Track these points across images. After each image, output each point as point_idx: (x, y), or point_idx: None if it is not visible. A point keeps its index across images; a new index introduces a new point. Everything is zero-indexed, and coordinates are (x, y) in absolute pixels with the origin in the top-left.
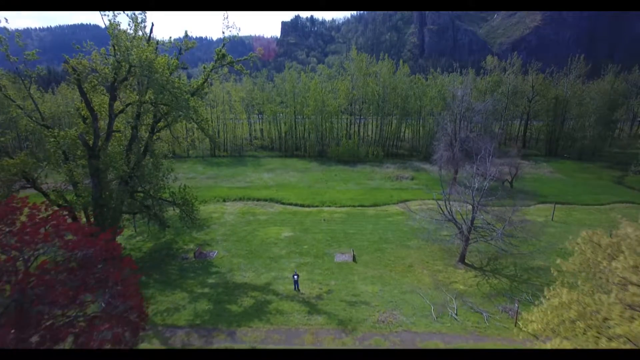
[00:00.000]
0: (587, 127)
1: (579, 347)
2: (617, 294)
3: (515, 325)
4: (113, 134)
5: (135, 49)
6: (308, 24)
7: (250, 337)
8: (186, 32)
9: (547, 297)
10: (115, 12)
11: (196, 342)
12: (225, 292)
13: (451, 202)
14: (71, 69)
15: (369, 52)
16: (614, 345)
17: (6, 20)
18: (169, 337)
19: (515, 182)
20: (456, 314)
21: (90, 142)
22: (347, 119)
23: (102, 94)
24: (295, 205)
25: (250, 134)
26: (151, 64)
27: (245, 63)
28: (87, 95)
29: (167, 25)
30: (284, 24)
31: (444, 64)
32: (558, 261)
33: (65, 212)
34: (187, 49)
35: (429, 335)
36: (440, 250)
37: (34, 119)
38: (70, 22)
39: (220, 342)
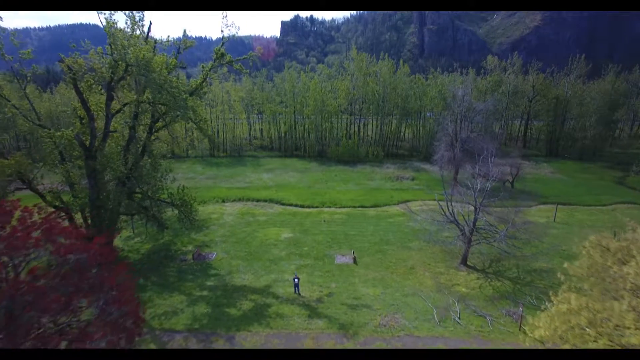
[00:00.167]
0: (588, 127)
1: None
2: (630, 301)
3: (520, 330)
4: (110, 134)
5: (132, 48)
6: (308, 23)
7: (249, 342)
8: (185, 30)
9: (554, 302)
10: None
11: (194, 347)
12: (224, 295)
13: (453, 203)
14: (66, 67)
15: (369, 52)
16: None
17: (0, 18)
18: (167, 342)
19: (516, 182)
20: (459, 318)
21: (87, 143)
22: (347, 118)
23: (99, 94)
24: (295, 206)
25: (249, 134)
26: (148, 63)
27: (244, 62)
28: (84, 95)
29: (166, 25)
30: (283, 23)
31: (443, 63)
32: (565, 265)
33: (62, 214)
34: (186, 48)
35: (432, 340)
36: (441, 252)
37: (29, 119)
38: (70, 22)
39: (219, 347)
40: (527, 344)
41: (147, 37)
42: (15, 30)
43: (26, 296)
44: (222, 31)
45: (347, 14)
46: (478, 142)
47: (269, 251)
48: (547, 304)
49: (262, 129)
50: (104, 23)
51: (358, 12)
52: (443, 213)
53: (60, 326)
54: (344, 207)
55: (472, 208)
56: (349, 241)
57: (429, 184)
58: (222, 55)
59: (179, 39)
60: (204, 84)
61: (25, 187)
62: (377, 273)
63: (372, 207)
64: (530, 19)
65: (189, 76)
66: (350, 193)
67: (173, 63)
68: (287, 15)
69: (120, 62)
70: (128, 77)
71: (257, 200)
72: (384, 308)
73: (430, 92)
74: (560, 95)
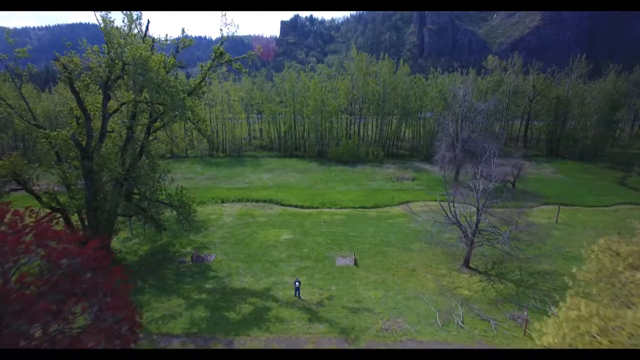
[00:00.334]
0: (589, 127)
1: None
2: None
3: (525, 334)
4: (107, 134)
5: (129, 47)
6: (307, 23)
7: (248, 347)
8: (183, 29)
9: (562, 307)
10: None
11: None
12: (223, 299)
13: (454, 204)
14: (62, 66)
15: (369, 51)
16: None
17: None
18: (164, 347)
19: (517, 183)
20: (462, 322)
21: (83, 143)
22: (347, 118)
23: (97, 93)
24: (295, 206)
25: (249, 134)
26: (146, 62)
27: (244, 62)
28: (80, 94)
29: (166, 25)
30: (283, 23)
31: (443, 63)
32: (574, 269)
33: (57, 216)
34: (185, 47)
35: (435, 345)
36: (443, 254)
37: (25, 118)
38: (69, 22)
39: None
40: None
41: (144, 36)
42: (15, 29)
43: (14, 305)
44: (221, 30)
45: (347, 13)
46: (479, 143)
47: (269, 253)
48: (553, 308)
49: (261, 129)
50: (100, 21)
51: (358, 12)
52: (445, 214)
53: (52, 334)
54: (344, 207)
55: (473, 209)
56: (350, 243)
57: (430, 185)
58: (221, 54)
59: (177, 38)
60: (203, 83)
61: (20, 188)
62: (378, 275)
63: (372, 207)
64: (530, 19)
65: (188, 76)
66: (350, 193)
67: (171, 62)
68: (287, 15)
69: (117, 61)
70: (125, 77)
71: (257, 201)
72: (385, 311)
73: (430, 92)
74: (561, 95)
